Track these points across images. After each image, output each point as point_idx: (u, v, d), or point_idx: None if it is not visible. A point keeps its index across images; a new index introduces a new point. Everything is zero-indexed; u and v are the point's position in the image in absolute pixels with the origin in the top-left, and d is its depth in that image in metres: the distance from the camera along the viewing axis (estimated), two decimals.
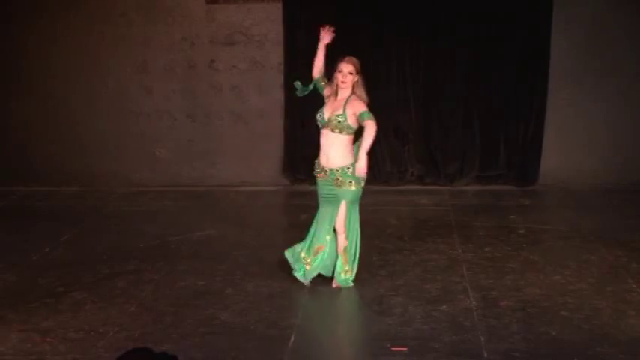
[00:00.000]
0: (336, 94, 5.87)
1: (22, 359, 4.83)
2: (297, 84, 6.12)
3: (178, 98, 9.39)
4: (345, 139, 5.79)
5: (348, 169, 5.78)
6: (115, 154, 9.47)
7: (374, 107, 9.12)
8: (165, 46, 9.26)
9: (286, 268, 6.43)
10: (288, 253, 6.10)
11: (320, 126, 5.86)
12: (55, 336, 5.13)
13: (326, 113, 5.82)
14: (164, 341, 4.94)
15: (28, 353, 4.89)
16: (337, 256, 5.98)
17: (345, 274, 5.96)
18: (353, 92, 5.82)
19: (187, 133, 9.46)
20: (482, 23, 8.91)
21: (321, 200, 6.01)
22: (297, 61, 9.23)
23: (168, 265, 6.53)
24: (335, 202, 5.89)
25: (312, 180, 9.30)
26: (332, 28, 5.97)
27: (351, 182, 5.80)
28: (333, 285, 5.97)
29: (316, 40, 9.06)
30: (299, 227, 7.68)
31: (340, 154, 5.79)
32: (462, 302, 5.64)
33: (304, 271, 5.99)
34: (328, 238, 5.96)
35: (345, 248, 5.95)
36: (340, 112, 5.75)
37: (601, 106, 9.06)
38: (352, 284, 5.97)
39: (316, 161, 5.98)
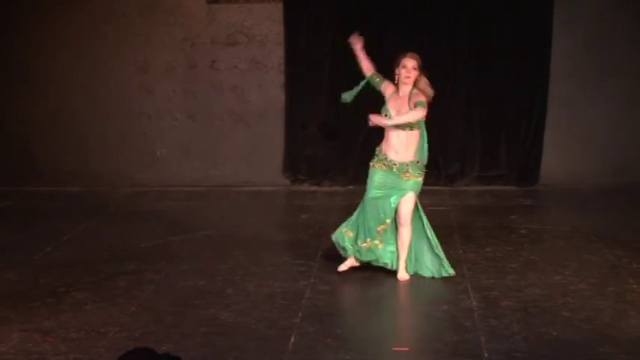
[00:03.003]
0: (398, 90, 5.94)
1: (23, 359, 4.83)
2: (344, 95, 6.18)
3: (179, 98, 9.39)
4: (415, 134, 5.98)
5: (417, 162, 6.01)
6: (116, 155, 9.47)
7: (375, 107, 9.21)
8: (166, 46, 9.26)
9: (287, 268, 6.44)
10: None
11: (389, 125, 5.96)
12: (55, 336, 5.13)
13: (393, 112, 5.92)
14: (165, 341, 4.94)
15: (29, 353, 4.89)
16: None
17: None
18: (414, 87, 5.91)
19: (188, 133, 9.45)
20: (483, 23, 8.90)
21: (374, 194, 6.06)
22: (298, 61, 9.26)
23: (169, 265, 6.53)
24: (397, 192, 5.99)
25: (313, 180, 9.45)
26: (357, 34, 6.16)
27: (419, 173, 6.03)
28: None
29: (317, 40, 9.17)
30: (300, 227, 7.71)
31: (410, 148, 5.99)
32: (462, 302, 5.64)
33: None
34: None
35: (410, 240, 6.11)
36: (406, 109, 5.88)
37: (602, 106, 9.05)
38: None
39: (379, 152, 6.08)
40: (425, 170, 6.12)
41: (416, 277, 6.17)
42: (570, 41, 8.91)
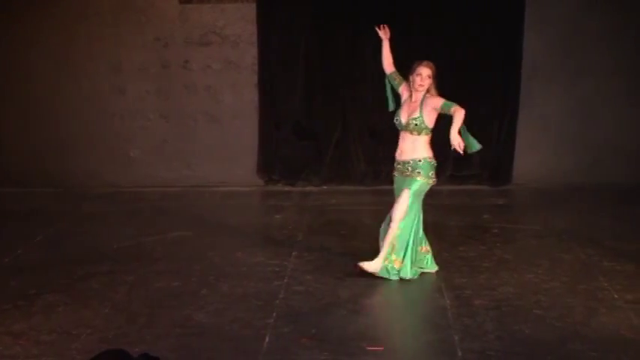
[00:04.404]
0: (411, 96, 6.04)
1: None
2: (390, 107, 6.25)
3: (152, 98, 9.35)
4: (421, 139, 5.99)
5: (419, 160, 5.98)
6: (89, 155, 9.40)
7: (349, 107, 9.26)
8: (138, 46, 9.22)
9: (261, 268, 6.44)
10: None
11: (398, 128, 6.05)
12: (27, 339, 5.07)
13: (403, 117, 6.00)
14: (138, 343, 4.91)
15: (0, 357, 4.84)
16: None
17: (385, 261, 6.03)
18: (426, 93, 6.00)
19: (162, 134, 9.42)
20: (456, 23, 8.96)
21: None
22: (272, 62, 9.25)
23: (142, 266, 6.49)
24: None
25: (287, 180, 9.47)
26: (386, 27, 6.30)
27: (419, 173, 5.98)
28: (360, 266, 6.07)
29: (290, 40, 9.17)
30: (274, 227, 7.70)
31: (414, 149, 5.99)
32: (436, 301, 5.67)
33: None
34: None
35: (395, 236, 6.00)
36: (417, 114, 5.94)
37: (574, 105, 9.15)
38: (396, 278, 6.03)
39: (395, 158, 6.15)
40: (432, 175, 6.05)
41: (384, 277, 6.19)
42: (542, 41, 8.99)
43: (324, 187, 9.35)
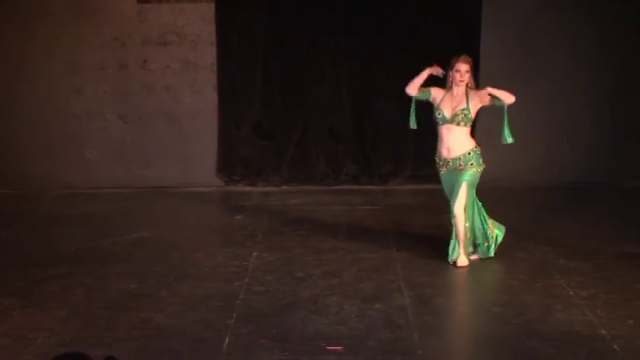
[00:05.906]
0: (450, 91, 6.30)
1: None
2: (412, 125, 6.59)
3: (110, 99, 9.25)
4: (466, 130, 6.33)
5: (469, 153, 6.31)
6: (46, 156, 9.26)
7: (308, 107, 9.26)
8: (96, 46, 9.11)
9: (221, 269, 6.42)
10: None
11: (441, 122, 6.33)
12: None
13: (446, 110, 6.27)
14: (97, 346, 4.87)
15: None
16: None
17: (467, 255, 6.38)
18: (467, 87, 6.28)
19: (120, 135, 9.32)
20: (414, 23, 9.01)
21: (448, 194, 6.45)
22: (231, 62, 9.22)
23: (101, 269, 6.43)
24: (455, 187, 6.33)
25: (247, 180, 9.45)
26: (439, 68, 6.44)
27: (472, 164, 6.32)
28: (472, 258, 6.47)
29: (249, 40, 9.15)
30: (234, 228, 7.69)
31: (461, 143, 6.31)
32: (396, 300, 5.70)
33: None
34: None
35: (467, 229, 6.35)
36: (464, 105, 6.22)
37: (532, 106, 9.24)
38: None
39: (436, 156, 6.46)
40: (482, 162, 6.38)
41: (350, 276, 6.22)
42: (500, 41, 9.08)
43: (285, 187, 9.34)
